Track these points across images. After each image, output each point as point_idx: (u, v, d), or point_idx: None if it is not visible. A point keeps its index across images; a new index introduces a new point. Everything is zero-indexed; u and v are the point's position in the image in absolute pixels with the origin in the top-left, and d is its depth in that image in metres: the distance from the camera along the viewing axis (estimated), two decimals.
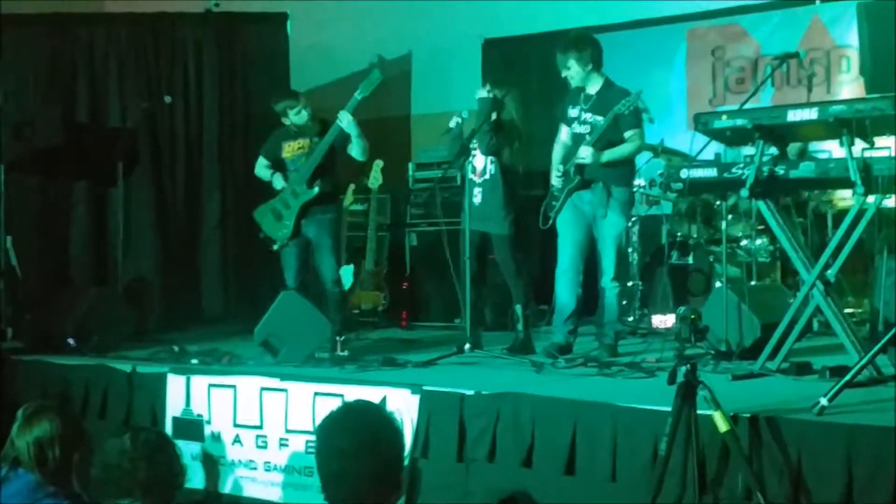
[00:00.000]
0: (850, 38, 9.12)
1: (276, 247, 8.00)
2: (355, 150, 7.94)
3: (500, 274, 8.02)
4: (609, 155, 7.10)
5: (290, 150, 8.08)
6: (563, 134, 7.46)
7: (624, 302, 8.85)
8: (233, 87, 10.60)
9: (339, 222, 8.32)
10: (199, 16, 10.55)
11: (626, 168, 7.33)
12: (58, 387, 7.43)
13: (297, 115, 8.02)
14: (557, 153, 7.45)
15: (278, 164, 8.11)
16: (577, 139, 7.26)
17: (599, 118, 7.13)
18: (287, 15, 10.68)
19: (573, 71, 7.23)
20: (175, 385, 6.84)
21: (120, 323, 8.57)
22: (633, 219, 9.10)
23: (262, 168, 8.21)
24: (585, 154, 7.06)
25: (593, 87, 7.26)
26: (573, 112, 7.35)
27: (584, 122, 7.25)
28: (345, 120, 7.79)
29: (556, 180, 7.34)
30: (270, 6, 10.74)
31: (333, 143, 7.88)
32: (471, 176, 7.74)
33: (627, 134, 7.15)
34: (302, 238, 7.98)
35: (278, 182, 8.02)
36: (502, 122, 7.66)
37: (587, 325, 7.77)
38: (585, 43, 7.25)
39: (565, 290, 7.30)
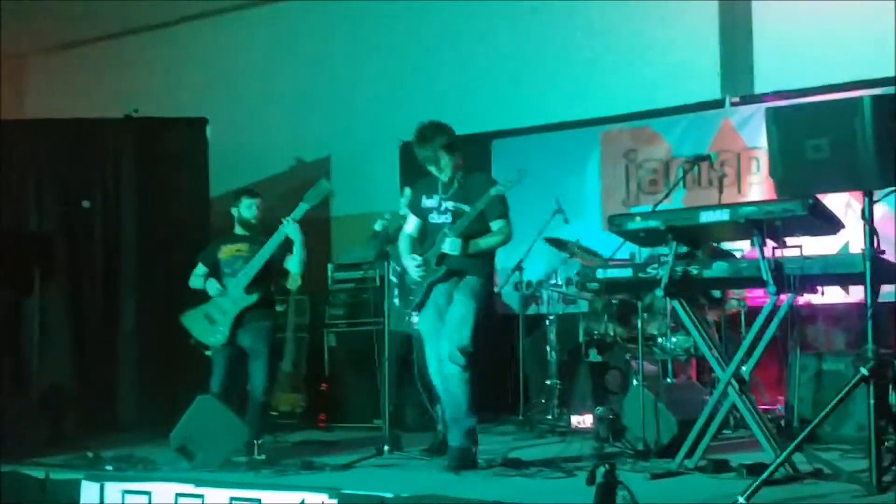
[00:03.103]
0: (760, 139, 9.24)
1: (209, 353, 7.86)
2: (294, 262, 7.78)
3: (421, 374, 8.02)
4: (475, 246, 6.73)
5: (227, 251, 7.97)
6: (410, 225, 7.10)
7: (544, 401, 8.91)
8: (151, 191, 10.49)
9: (276, 330, 8.14)
10: (118, 121, 10.50)
11: (485, 259, 6.84)
12: None
13: (247, 209, 7.95)
14: (404, 246, 7.08)
15: (213, 267, 8.00)
16: (434, 229, 6.87)
17: (464, 206, 6.77)
18: (206, 119, 10.66)
19: (444, 165, 6.81)
20: (89, 491, 6.72)
21: (34, 429, 8.46)
22: (551, 318, 9.17)
23: (197, 278, 8.03)
24: (450, 245, 6.67)
25: (453, 174, 6.89)
26: (429, 202, 6.93)
27: (445, 212, 6.86)
28: (290, 228, 7.68)
29: (414, 272, 6.93)
30: (189, 110, 10.76)
31: (274, 251, 7.77)
32: (392, 277, 7.75)
33: (496, 225, 6.76)
34: (235, 345, 7.84)
35: (212, 288, 7.89)
36: None
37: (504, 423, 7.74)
38: (447, 134, 6.82)
39: (453, 385, 6.71)
